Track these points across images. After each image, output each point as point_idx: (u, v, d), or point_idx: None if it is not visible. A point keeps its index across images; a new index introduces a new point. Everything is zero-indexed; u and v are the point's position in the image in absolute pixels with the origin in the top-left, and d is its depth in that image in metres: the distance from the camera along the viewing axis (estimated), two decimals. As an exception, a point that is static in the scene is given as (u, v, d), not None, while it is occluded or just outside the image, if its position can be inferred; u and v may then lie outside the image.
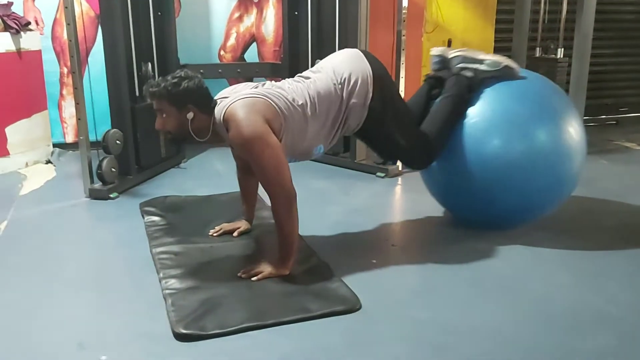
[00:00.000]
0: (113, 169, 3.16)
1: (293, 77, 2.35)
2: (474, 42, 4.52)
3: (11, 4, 3.73)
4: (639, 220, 2.79)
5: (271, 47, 4.51)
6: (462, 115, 2.46)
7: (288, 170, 2.07)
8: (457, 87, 2.51)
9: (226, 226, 2.58)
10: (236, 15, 4.43)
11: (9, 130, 3.67)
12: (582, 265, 2.28)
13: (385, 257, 2.37)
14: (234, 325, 1.79)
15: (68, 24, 2.94)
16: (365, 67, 2.28)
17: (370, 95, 2.27)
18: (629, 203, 3.01)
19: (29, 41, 3.74)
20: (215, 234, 2.54)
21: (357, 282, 2.08)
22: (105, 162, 3.12)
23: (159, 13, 3.68)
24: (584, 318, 1.87)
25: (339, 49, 3.59)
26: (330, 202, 3.09)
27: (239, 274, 2.12)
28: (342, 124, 2.30)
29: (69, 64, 3.29)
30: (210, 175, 3.63)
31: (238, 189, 2.58)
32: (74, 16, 2.94)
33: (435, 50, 2.66)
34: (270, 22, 4.47)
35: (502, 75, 2.50)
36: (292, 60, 4.07)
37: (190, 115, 2.13)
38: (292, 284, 2.06)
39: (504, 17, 4.66)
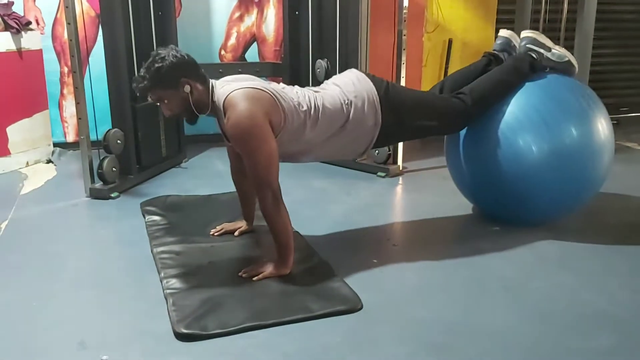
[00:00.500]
0: (114, 169, 3.16)
1: (293, 78, 2.35)
2: (475, 42, 4.53)
3: (12, 3, 3.73)
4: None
5: (272, 46, 4.51)
6: (513, 88, 2.49)
7: (277, 168, 2.08)
8: (520, 60, 2.56)
9: (227, 226, 2.58)
10: (237, 15, 4.43)
11: (10, 130, 3.67)
12: (583, 264, 2.28)
13: (387, 256, 2.37)
14: (235, 325, 1.79)
15: (69, 24, 2.94)
16: (370, 88, 2.28)
17: (380, 114, 2.27)
18: (630, 202, 3.01)
19: (30, 41, 3.74)
20: (216, 234, 2.54)
21: (358, 282, 2.08)
22: (106, 161, 3.12)
23: (160, 13, 3.68)
24: (586, 318, 1.87)
25: (340, 49, 3.61)
26: (331, 201, 3.09)
27: (240, 274, 2.12)
28: (344, 144, 2.29)
29: (69, 63, 3.29)
30: (211, 175, 3.63)
31: (236, 190, 2.58)
32: (75, 16, 2.94)
33: (504, 32, 2.71)
34: (270, 21, 4.47)
35: (562, 69, 2.56)
36: (292, 60, 4.06)
37: (187, 88, 2.10)
38: (293, 284, 2.06)
39: (504, 17, 4.66)
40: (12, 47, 3.62)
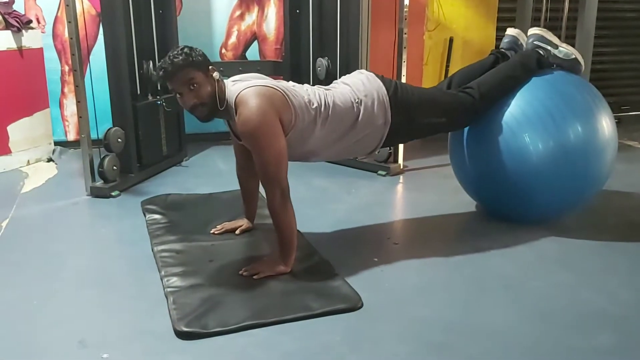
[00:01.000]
0: (114, 167, 3.16)
1: (294, 76, 2.35)
2: (476, 40, 4.52)
3: (12, 2, 3.72)
4: (641, 218, 2.79)
5: (272, 45, 4.50)
6: (519, 83, 2.51)
7: (286, 167, 2.08)
8: (527, 57, 2.59)
9: (228, 224, 2.58)
10: (237, 13, 4.43)
11: (11, 129, 3.68)
12: (584, 263, 2.28)
13: (387, 255, 2.37)
14: (236, 324, 1.79)
15: (69, 22, 2.94)
16: (379, 87, 2.29)
17: (390, 113, 2.28)
18: (631, 201, 3.01)
19: (31, 39, 3.74)
20: (217, 232, 2.54)
21: (358, 281, 2.08)
22: (106, 160, 3.12)
23: (160, 11, 3.67)
24: (586, 316, 1.87)
25: (341, 47, 3.61)
26: (332, 200, 3.09)
27: (240, 272, 2.12)
28: (353, 142, 2.29)
29: (70, 62, 3.29)
30: (212, 173, 3.63)
31: (240, 188, 2.58)
32: (76, 14, 2.94)
33: (511, 31, 2.74)
34: (271, 20, 4.46)
35: (568, 66, 2.58)
36: (293, 58, 4.06)
37: (216, 75, 2.11)
38: (293, 282, 2.06)
39: (505, 15, 4.65)
40: (13, 45, 3.62)
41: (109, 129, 3.17)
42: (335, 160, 2.43)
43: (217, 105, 2.11)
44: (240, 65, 4.32)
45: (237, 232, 2.53)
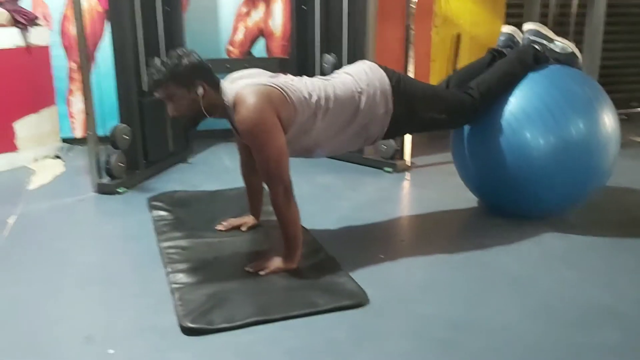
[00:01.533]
0: (121, 164, 3.17)
1: (301, 73, 2.35)
2: (483, 36, 4.50)
3: (20, -1, 3.75)
4: (649, 215, 2.77)
5: (279, 41, 4.50)
6: (517, 79, 2.50)
7: (287, 163, 2.08)
8: (523, 52, 2.57)
9: (234, 221, 2.58)
10: (244, 10, 4.42)
11: (18, 125, 3.69)
12: (590, 260, 2.26)
13: (393, 252, 2.37)
14: (241, 320, 1.79)
15: (76, 19, 2.95)
16: (382, 77, 2.28)
17: (391, 103, 2.27)
18: (637, 198, 2.99)
19: (38, 36, 3.75)
20: (222, 229, 2.54)
21: (364, 277, 2.08)
22: (113, 157, 3.13)
23: (167, 8, 3.68)
24: (592, 314, 1.85)
25: (348, 43, 3.60)
26: (338, 197, 3.08)
27: (246, 269, 2.12)
28: (356, 132, 2.28)
29: (77, 59, 3.30)
30: (218, 170, 3.63)
31: (244, 184, 2.58)
32: (82, 11, 2.94)
33: (506, 28, 2.72)
34: (278, 16, 4.46)
35: (566, 60, 2.57)
36: (299, 55, 4.05)
37: (200, 91, 2.09)
38: (299, 279, 2.06)
39: (513, 11, 4.62)
40: (20, 42, 3.63)
41: (115, 126, 3.18)
42: (339, 152, 2.42)
43: (201, 116, 2.14)
44: (246, 62, 4.32)
45: (243, 228, 2.54)
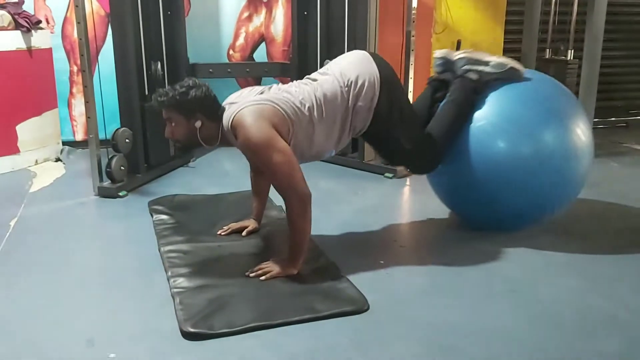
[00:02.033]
0: (122, 168, 3.18)
1: (302, 78, 2.35)
2: (484, 43, 4.51)
3: (22, 2, 3.75)
4: (648, 223, 2.78)
5: (280, 46, 4.51)
6: (467, 118, 2.44)
7: (300, 172, 2.08)
8: (462, 91, 2.48)
9: (234, 225, 2.59)
10: (245, 14, 4.44)
11: (20, 128, 3.70)
12: (591, 268, 2.27)
13: (393, 257, 2.37)
14: (242, 325, 1.79)
15: (78, 23, 2.96)
16: (373, 70, 2.27)
17: (377, 99, 2.26)
18: (637, 206, 3.00)
19: (40, 39, 3.76)
20: (223, 233, 2.55)
21: (365, 283, 2.08)
22: (114, 160, 3.13)
23: (169, 12, 3.69)
24: (593, 321, 1.86)
25: (348, 49, 3.61)
26: (339, 202, 3.09)
27: (247, 273, 2.13)
28: (349, 127, 2.29)
29: (79, 62, 3.31)
30: (219, 174, 3.64)
31: (246, 188, 2.60)
32: (85, 15, 2.96)
33: (439, 53, 2.62)
34: (279, 21, 4.47)
35: (507, 77, 2.47)
36: (301, 60, 4.07)
37: (198, 123, 2.16)
38: (300, 284, 2.07)
39: (513, 18, 4.64)
40: (22, 45, 3.64)
41: (116, 129, 3.19)
42: (344, 146, 2.40)
43: (197, 145, 2.23)
44: (247, 66, 4.34)
45: (244, 233, 2.54)
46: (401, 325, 1.84)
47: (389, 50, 3.70)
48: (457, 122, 2.45)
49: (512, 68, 2.46)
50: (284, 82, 2.35)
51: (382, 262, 2.30)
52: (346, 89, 2.23)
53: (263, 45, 4.50)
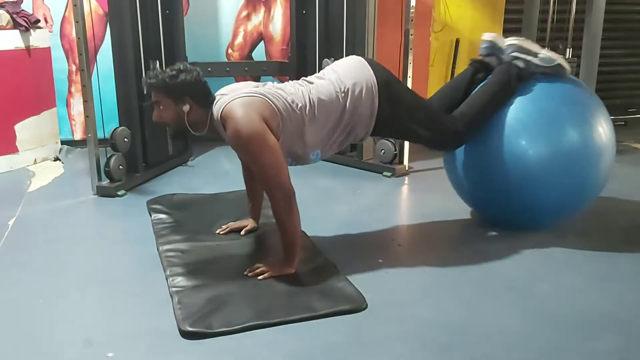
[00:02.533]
0: (121, 167, 3.18)
1: (299, 77, 2.35)
2: (482, 42, 4.51)
3: (21, 1, 3.75)
4: (647, 221, 2.79)
5: (279, 45, 4.51)
6: (504, 102, 2.44)
7: (286, 169, 2.08)
8: (506, 74, 2.48)
9: (233, 224, 2.59)
10: (244, 13, 4.44)
11: (18, 127, 3.69)
12: (590, 266, 2.27)
13: (392, 256, 2.37)
14: (240, 324, 1.79)
15: (77, 22, 2.95)
16: (370, 76, 2.25)
17: (377, 104, 2.25)
18: (637, 204, 3.00)
19: (38, 39, 3.76)
20: (222, 232, 2.55)
21: (363, 282, 2.08)
22: (113, 159, 3.13)
23: (167, 11, 3.69)
24: (592, 320, 1.86)
25: (347, 48, 3.61)
26: (337, 201, 3.09)
27: (245, 273, 2.13)
28: (345, 133, 2.27)
29: (77, 61, 3.31)
30: (218, 173, 3.64)
31: (245, 187, 2.59)
32: (83, 14, 2.95)
33: (487, 36, 2.62)
34: (278, 20, 4.47)
35: (552, 72, 2.48)
36: (299, 59, 4.07)
37: (186, 108, 2.15)
38: (298, 283, 2.07)
39: (512, 16, 4.64)
40: (21, 45, 3.64)
41: (115, 129, 3.19)
42: (332, 153, 2.40)
43: (184, 130, 2.21)
44: (246, 65, 4.34)
45: (242, 232, 2.54)
46: (399, 324, 1.84)
47: (387, 48, 3.70)
48: (493, 103, 2.44)
49: (559, 65, 2.47)
50: (282, 81, 2.35)
51: (380, 260, 2.30)
52: (342, 94, 2.21)
53: (262, 44, 4.50)
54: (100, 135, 3.15)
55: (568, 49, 4.28)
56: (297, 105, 2.16)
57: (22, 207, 2.97)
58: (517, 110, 2.43)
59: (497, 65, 2.56)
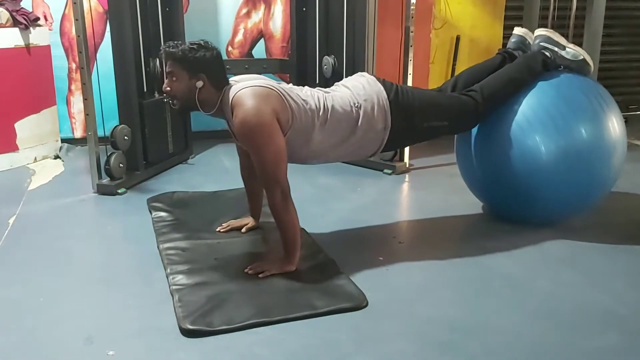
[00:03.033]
0: (121, 165, 3.18)
1: (300, 74, 2.35)
2: (483, 39, 4.51)
3: (20, -1, 3.75)
4: (647, 218, 2.78)
5: (279, 43, 4.50)
6: (525, 85, 2.48)
7: (286, 166, 2.08)
8: (532, 58, 2.55)
9: (234, 222, 2.59)
10: (244, 11, 4.43)
11: (18, 126, 3.69)
12: (590, 263, 2.27)
13: (392, 254, 2.37)
14: (241, 322, 1.79)
15: (76, 20, 2.95)
16: (380, 91, 2.27)
17: (390, 118, 2.26)
18: (637, 201, 3.00)
19: (38, 37, 3.76)
20: (222, 230, 2.55)
21: (363, 279, 2.08)
22: (113, 157, 3.13)
23: (167, 9, 3.68)
24: (592, 317, 1.86)
25: (347, 45, 3.61)
26: (338, 198, 3.09)
27: (245, 270, 2.13)
28: (354, 147, 2.27)
29: (77, 59, 3.31)
30: (218, 171, 3.64)
31: (244, 186, 2.58)
32: (83, 12, 2.95)
33: (518, 30, 2.70)
34: (278, 18, 4.47)
35: (577, 68, 2.54)
36: (299, 56, 4.06)
37: (199, 84, 2.12)
38: (298, 281, 2.07)
39: (512, 13, 4.64)
40: (21, 42, 3.63)
41: (115, 127, 3.18)
42: (333, 162, 2.41)
43: (193, 106, 2.17)
44: (246, 63, 4.34)
45: (243, 230, 2.54)
46: (400, 322, 1.84)
47: (387, 46, 3.70)
48: (513, 85, 2.48)
49: (584, 60, 2.53)
50: (283, 79, 2.34)
51: (381, 258, 2.30)
52: (356, 108, 2.21)
53: (262, 41, 4.49)
54: (100, 133, 3.15)
55: (569, 46, 4.26)
56: (310, 107, 2.15)
57: (22, 205, 2.97)
58: (533, 103, 2.44)
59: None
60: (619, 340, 1.73)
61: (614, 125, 2.46)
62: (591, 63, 2.55)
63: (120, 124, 3.24)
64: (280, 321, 1.81)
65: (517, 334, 1.77)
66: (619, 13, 5.13)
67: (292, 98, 2.12)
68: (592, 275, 2.16)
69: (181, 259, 2.26)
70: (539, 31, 2.63)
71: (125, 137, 3.20)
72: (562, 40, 2.58)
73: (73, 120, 4.25)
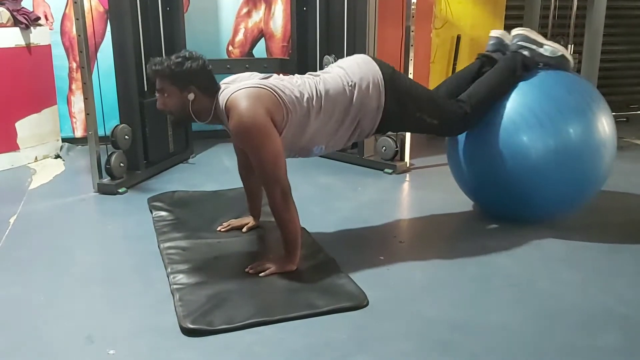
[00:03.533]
0: (121, 164, 3.18)
1: (300, 72, 2.35)
2: (483, 38, 4.49)
3: (21, -2, 3.75)
4: (648, 218, 2.78)
5: (279, 42, 4.51)
6: (508, 89, 2.48)
7: (285, 165, 2.08)
8: (512, 61, 2.54)
9: (234, 222, 2.59)
10: (244, 10, 4.43)
11: (19, 125, 3.69)
12: (590, 263, 2.27)
13: (393, 253, 2.37)
14: (241, 321, 1.79)
15: (77, 19, 2.95)
16: (376, 71, 2.27)
17: (384, 98, 2.26)
18: (637, 200, 2.99)
19: (39, 36, 3.76)
20: (223, 230, 2.55)
21: (364, 279, 2.08)
22: (113, 157, 3.13)
23: (168, 8, 3.68)
24: (592, 316, 1.86)
25: (348, 45, 3.61)
26: (338, 198, 3.09)
27: (246, 270, 2.13)
28: (351, 129, 2.28)
29: (78, 59, 3.31)
30: (219, 170, 3.64)
31: (243, 186, 2.59)
32: (83, 11, 2.95)
33: (495, 32, 2.69)
34: (278, 17, 4.47)
35: (556, 64, 2.53)
36: (300, 55, 4.06)
37: (191, 96, 2.13)
38: (299, 280, 2.07)
39: (513, 13, 4.63)
40: (21, 42, 3.64)
41: (116, 126, 3.19)
42: (336, 149, 2.40)
43: (188, 118, 2.18)
44: (247, 62, 4.34)
45: (244, 229, 2.54)
46: (401, 321, 1.84)
47: (388, 45, 3.70)
48: (498, 90, 2.48)
49: (563, 56, 2.53)
50: (276, 75, 2.34)
51: (381, 257, 2.30)
52: (349, 87, 2.22)
53: (262, 41, 4.49)
54: (101, 132, 3.15)
55: (569, 45, 4.26)
56: (304, 96, 2.15)
57: (23, 204, 2.97)
58: (519, 104, 2.44)
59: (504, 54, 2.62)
60: (619, 339, 1.73)
61: (602, 122, 2.44)
62: (570, 58, 2.55)
63: (120, 123, 3.24)
64: (280, 320, 1.81)
65: (518, 333, 1.77)
66: (620, 12, 5.12)
67: (284, 92, 2.12)
68: (592, 275, 2.16)
69: (182, 258, 2.26)
70: (516, 30, 2.62)
71: (126, 137, 3.20)
72: (539, 38, 2.57)
73: (74, 120, 4.25)
